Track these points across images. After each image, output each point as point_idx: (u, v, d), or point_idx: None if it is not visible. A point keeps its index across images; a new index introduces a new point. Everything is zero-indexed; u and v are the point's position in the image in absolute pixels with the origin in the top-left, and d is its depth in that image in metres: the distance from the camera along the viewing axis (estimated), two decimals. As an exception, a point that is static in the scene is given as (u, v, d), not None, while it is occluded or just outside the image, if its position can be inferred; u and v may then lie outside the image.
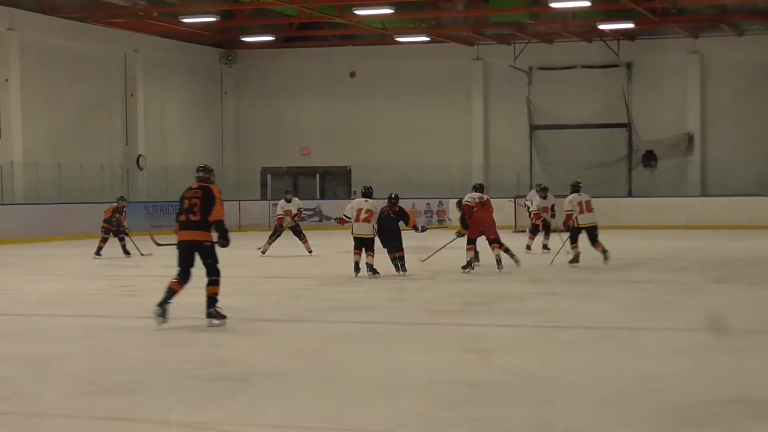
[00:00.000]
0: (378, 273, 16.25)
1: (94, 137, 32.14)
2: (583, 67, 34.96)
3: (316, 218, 32.72)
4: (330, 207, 31.44)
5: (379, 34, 32.98)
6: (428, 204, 32.99)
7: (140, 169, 33.06)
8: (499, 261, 16.82)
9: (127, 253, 21.86)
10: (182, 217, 10.89)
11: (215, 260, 10.88)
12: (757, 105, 32.95)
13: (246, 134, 37.79)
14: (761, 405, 7.06)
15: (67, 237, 27.69)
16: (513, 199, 29.84)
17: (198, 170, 11.35)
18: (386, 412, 6.98)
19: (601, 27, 31.45)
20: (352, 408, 7.11)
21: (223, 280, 10.93)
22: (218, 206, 10.81)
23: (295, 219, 21.83)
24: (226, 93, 37.77)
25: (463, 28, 33.26)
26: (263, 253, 21.68)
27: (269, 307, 13.12)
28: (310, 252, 21.72)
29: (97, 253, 21.64)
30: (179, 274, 10.88)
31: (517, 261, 17.23)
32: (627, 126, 34.26)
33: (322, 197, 35.85)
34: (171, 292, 10.81)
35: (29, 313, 12.79)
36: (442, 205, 33.20)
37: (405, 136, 36.12)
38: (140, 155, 33.17)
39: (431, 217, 33.29)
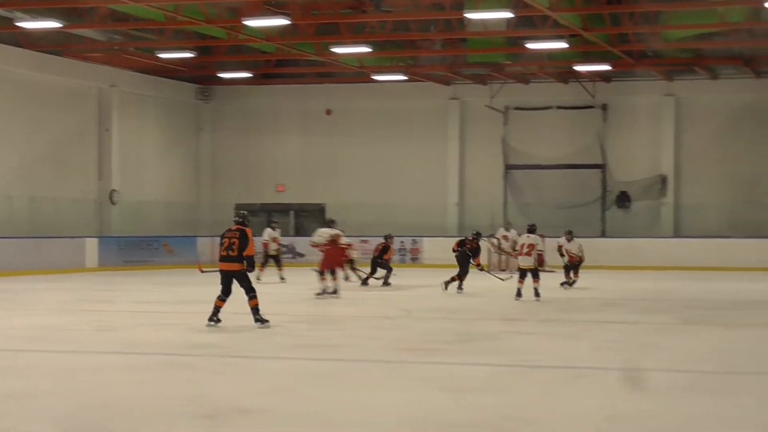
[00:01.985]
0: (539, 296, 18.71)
1: (68, 170, 32.09)
2: (558, 108, 35.16)
3: (290, 255, 32.65)
4: (304, 244, 31.41)
5: (357, 72, 33.11)
6: (402, 242, 33.02)
7: (113, 203, 32.96)
8: (325, 291, 19.35)
9: None
10: (223, 252, 14.38)
11: (249, 281, 14.38)
12: (730, 148, 33.18)
13: (222, 170, 37.77)
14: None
15: (40, 271, 27.55)
16: (488, 238, 29.94)
17: (236, 216, 14.80)
18: (360, 450, 6.99)
19: (578, 68, 31.71)
20: (326, 446, 7.12)
21: (197, 317, 10.96)
22: (251, 245, 14.30)
23: (281, 247, 22.57)
24: (202, 129, 37.78)
25: (440, 68, 33.42)
26: (258, 279, 21.66)
27: (244, 344, 13.10)
28: (282, 279, 21.97)
29: None
30: (222, 293, 14.37)
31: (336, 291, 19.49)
32: (601, 167, 34.42)
33: (297, 234, 35.80)
34: (217, 308, 14.34)
35: (2, 348, 12.72)
36: (416, 243, 33.30)
37: (381, 174, 36.21)
38: (113, 190, 33.08)
39: (404, 255, 33.33)
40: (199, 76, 36.34)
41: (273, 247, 25.01)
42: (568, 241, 23.86)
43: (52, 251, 28.77)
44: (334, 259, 20.20)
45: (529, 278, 18.94)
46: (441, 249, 33.34)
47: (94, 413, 8.21)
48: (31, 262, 28.02)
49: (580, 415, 8.10)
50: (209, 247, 31.74)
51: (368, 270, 23.20)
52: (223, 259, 14.52)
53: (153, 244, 32.66)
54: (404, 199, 35.11)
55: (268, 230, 25.54)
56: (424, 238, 33.60)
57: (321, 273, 19.89)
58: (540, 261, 19.83)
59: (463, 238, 22.78)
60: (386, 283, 22.92)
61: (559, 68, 33.11)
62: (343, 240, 20.62)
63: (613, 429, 7.62)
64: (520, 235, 25.82)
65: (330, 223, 22.00)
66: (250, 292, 14.39)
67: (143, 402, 8.69)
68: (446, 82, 35.48)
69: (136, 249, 31.55)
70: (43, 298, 20.85)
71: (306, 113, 37.19)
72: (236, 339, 13.52)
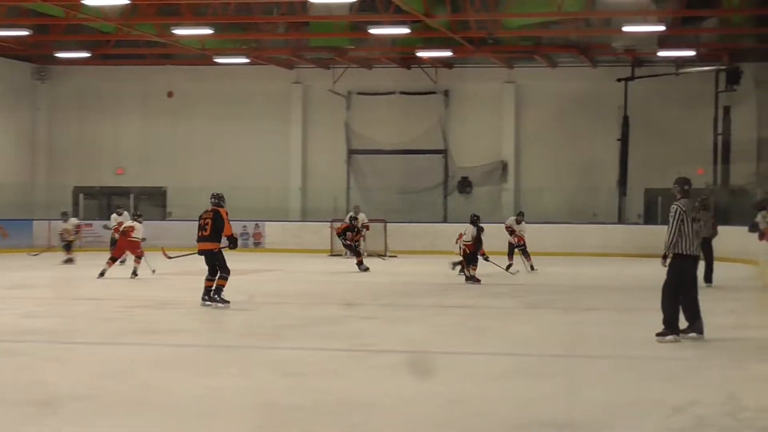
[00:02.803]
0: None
1: None
2: (401, 93, 35.37)
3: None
4: (143, 228, 30.88)
5: (199, 54, 32.67)
6: (244, 226, 32.77)
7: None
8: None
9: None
10: (199, 233, 14.89)
11: (223, 261, 14.82)
12: (568, 134, 33.94)
13: (59, 152, 36.84)
14: (567, 427, 7.28)
15: None
16: (330, 223, 30.06)
17: (212, 197, 15.30)
18: (198, 437, 6.91)
19: (420, 54, 31.91)
20: (163, 433, 7.02)
21: (30, 302, 10.68)
22: (227, 224, 14.81)
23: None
24: (38, 109, 36.78)
25: (283, 51, 33.25)
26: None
27: (81, 330, 12.82)
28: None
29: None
30: (209, 273, 14.94)
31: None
32: (443, 153, 34.83)
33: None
34: (207, 289, 14.89)
35: None
36: (259, 227, 33.12)
37: (223, 157, 35.82)
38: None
39: (247, 239, 33.10)
40: (36, 55, 35.32)
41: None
42: (518, 222, 24.16)
43: None
44: (124, 249, 21.19)
45: None
46: (283, 233, 33.38)
47: None
48: None
49: (423, 399, 8.18)
50: (45, 230, 31.00)
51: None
52: (199, 239, 15.03)
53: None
54: (247, 183, 34.82)
55: (114, 215, 25.08)
56: (267, 223, 33.45)
57: (113, 259, 20.70)
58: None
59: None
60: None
61: (401, 54, 33.23)
62: (136, 233, 20.90)
63: (456, 413, 7.71)
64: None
65: (137, 217, 22.33)
66: (223, 271, 14.85)
67: (-27, 390, 8.42)
68: (289, 66, 35.36)
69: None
70: None
71: (147, 95, 36.61)
72: (72, 324, 13.20)
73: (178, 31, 28.84)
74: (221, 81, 36.12)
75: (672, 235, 11.19)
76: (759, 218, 20.62)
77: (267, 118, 36.45)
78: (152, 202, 36.13)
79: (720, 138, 32.74)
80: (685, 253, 11.23)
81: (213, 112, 36.32)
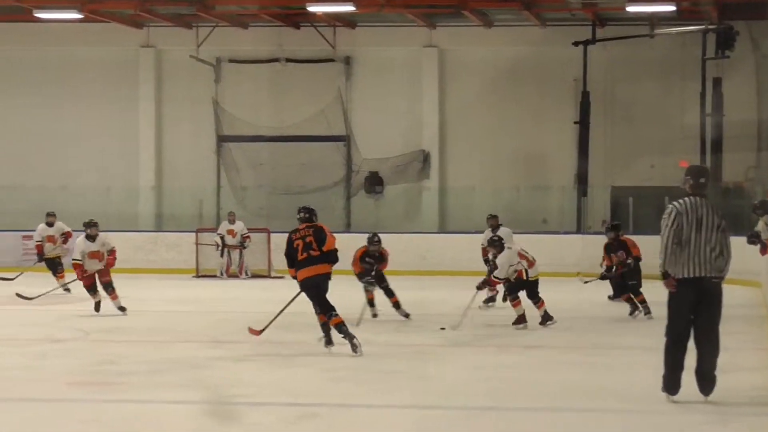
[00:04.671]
0: None
1: None
2: (288, 60, 35.85)
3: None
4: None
5: (14, 7, 32.66)
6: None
7: None
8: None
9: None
10: None
11: None
12: (507, 116, 34.53)
13: None
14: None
15: None
16: (195, 233, 30.14)
17: None
18: None
19: (312, 9, 32.19)
20: None
21: None
22: None
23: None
24: None
25: (127, 5, 33.37)
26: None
27: None
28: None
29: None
30: None
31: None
32: (345, 140, 35.13)
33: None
34: None
35: None
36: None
37: (49, 147, 35.96)
38: None
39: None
40: None
41: (49, 248, 24.83)
42: (494, 229, 24.13)
43: None
44: None
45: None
46: (130, 247, 33.34)
47: None
48: None
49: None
50: None
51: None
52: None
53: None
54: (81, 181, 34.84)
55: (42, 226, 25.21)
56: (108, 234, 33.40)
57: None
58: None
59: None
60: None
61: (287, 8, 33.73)
62: None
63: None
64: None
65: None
66: None
67: None
68: (137, 24, 35.68)
69: None
70: None
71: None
72: None
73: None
74: (45, 43, 36.38)
75: (665, 247, 10.79)
76: (760, 226, 20.53)
77: (108, 93, 36.79)
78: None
79: (709, 120, 33.27)
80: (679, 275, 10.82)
81: (34, 84, 36.68)
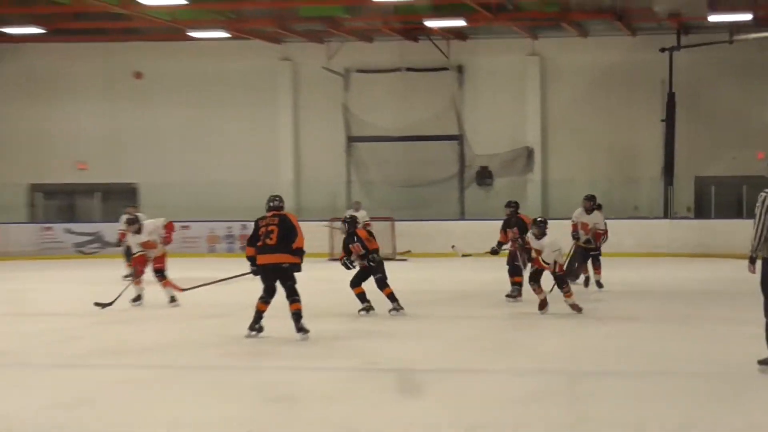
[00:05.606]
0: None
1: None
2: (407, 70, 35.70)
3: (96, 245, 32.35)
4: (113, 231, 31.12)
5: (170, 28, 32.95)
6: (229, 228, 33.06)
7: None
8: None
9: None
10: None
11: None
12: (602, 115, 34.24)
13: (8, 145, 37.07)
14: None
15: None
16: (329, 223, 30.28)
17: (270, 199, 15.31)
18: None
19: (428, 24, 32.18)
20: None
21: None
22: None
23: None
24: (-17, 95, 37.07)
25: (268, 23, 33.55)
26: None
27: (42, 349, 13.12)
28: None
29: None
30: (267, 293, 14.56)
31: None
32: (459, 139, 35.06)
33: (104, 220, 35.44)
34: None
35: None
36: (246, 228, 33.34)
37: (202, 148, 36.14)
38: None
39: (233, 242, 33.32)
40: (-21, 32, 35.54)
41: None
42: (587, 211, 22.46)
43: None
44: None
45: None
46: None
47: None
48: None
49: (437, 426, 8.37)
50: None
51: None
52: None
53: None
54: (230, 178, 35.09)
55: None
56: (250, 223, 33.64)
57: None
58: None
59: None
60: None
61: (406, 23, 33.58)
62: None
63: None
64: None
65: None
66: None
67: None
68: (276, 40, 35.65)
69: None
70: None
71: (110, 76, 36.89)
72: (33, 343, 13.45)
73: (145, 1, 29.03)
74: (196, 59, 36.40)
75: (759, 231, 10.38)
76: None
77: (251, 101, 36.72)
78: (122, 201, 36.25)
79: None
80: None
81: (188, 95, 36.63)
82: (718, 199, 33.82)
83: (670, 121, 33.73)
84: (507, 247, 19.23)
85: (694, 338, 13.72)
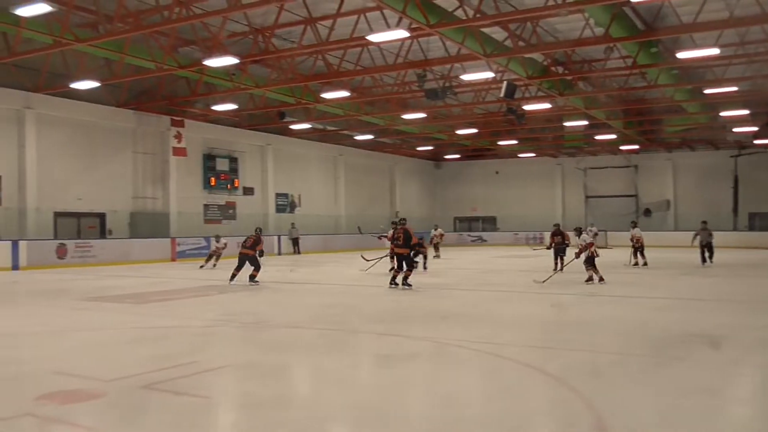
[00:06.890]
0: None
1: None
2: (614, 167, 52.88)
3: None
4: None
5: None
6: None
7: None
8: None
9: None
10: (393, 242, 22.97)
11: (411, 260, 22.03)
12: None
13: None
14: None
15: None
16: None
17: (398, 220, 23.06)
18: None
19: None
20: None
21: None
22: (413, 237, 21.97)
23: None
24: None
25: (550, 148, 51.54)
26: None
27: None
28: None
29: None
30: (399, 266, 22.32)
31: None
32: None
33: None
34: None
35: None
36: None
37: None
38: None
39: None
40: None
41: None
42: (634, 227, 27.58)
43: None
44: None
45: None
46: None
47: None
48: None
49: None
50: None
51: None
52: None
53: None
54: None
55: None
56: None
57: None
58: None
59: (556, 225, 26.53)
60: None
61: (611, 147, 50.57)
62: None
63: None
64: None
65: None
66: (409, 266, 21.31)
67: None
68: (554, 156, 57.04)
69: None
70: None
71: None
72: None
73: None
74: (509, 165, 56.12)
75: None
76: None
77: (540, 187, 57.01)
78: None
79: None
80: None
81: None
82: None
83: (735, 188, 49.25)
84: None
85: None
